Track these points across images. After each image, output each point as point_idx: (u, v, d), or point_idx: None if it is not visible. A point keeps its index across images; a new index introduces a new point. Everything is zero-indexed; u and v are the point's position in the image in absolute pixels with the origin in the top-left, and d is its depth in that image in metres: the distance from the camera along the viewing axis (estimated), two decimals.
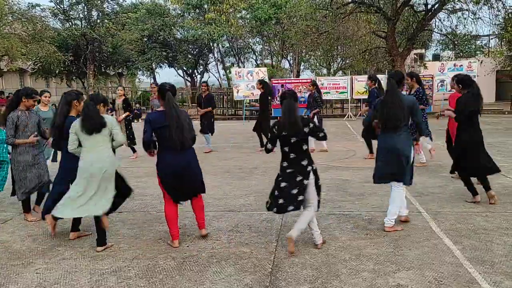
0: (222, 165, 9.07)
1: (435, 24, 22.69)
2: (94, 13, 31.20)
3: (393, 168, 4.79)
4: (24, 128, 5.38)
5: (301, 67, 34.52)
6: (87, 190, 4.43)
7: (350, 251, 4.33)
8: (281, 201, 4.25)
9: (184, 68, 36.66)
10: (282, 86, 20.35)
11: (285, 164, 4.34)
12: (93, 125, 4.44)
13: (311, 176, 4.34)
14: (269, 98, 10.97)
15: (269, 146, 4.47)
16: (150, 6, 33.36)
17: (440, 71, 20.42)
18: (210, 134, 11.05)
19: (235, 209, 5.88)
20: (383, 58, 23.25)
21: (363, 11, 21.78)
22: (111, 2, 31.83)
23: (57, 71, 30.15)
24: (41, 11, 28.20)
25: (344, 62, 30.57)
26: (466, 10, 20.68)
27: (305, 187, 4.29)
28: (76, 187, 4.50)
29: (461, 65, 19.61)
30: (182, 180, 4.45)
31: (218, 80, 36.04)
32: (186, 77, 38.15)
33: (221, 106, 25.46)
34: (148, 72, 37.31)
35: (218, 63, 35.91)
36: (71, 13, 30.81)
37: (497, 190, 6.45)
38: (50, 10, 29.65)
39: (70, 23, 31.12)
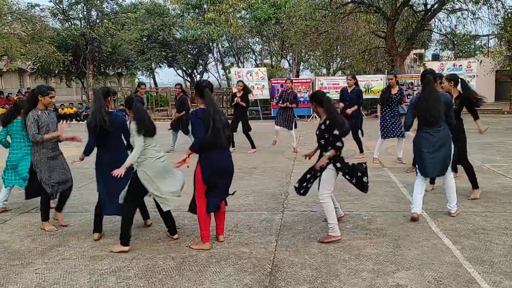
0: None
1: (434, 24, 22.73)
2: (94, 13, 31.16)
3: (442, 162, 5.10)
4: (45, 128, 5.07)
5: (301, 67, 34.49)
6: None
7: (349, 251, 4.33)
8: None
9: (184, 68, 36.65)
10: (282, 86, 20.34)
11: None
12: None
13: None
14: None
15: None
16: (149, 6, 33.34)
17: (439, 71, 20.42)
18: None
19: (234, 209, 5.88)
20: (383, 58, 23.27)
21: (363, 11, 21.78)
22: (111, 2, 31.80)
23: (56, 71, 30.11)
24: (40, 11, 28.16)
25: (343, 62, 30.56)
26: (466, 10, 20.72)
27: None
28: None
29: (461, 65, 19.62)
30: (226, 179, 4.43)
31: (217, 80, 36.02)
32: (185, 77, 38.13)
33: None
34: (148, 72, 37.28)
35: (218, 63, 35.94)
36: (70, 13, 30.75)
37: (496, 190, 6.47)
38: (49, 10, 29.61)
39: (69, 23, 31.08)
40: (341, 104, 9.43)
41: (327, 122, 4.54)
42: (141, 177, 4.38)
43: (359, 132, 9.27)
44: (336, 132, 4.49)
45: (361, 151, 9.19)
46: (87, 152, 4.77)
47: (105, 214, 4.88)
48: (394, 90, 8.46)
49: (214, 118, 4.17)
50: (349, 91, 9.36)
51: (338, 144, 4.50)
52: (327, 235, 4.61)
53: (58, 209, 5.40)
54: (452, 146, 5.17)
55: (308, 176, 4.80)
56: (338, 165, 4.58)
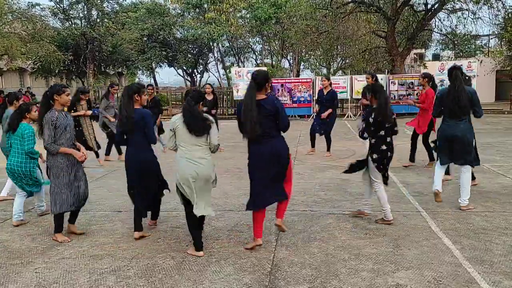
0: (222, 165, 9.06)
1: (435, 24, 22.71)
2: (94, 12, 31.18)
3: (457, 151, 5.49)
4: (63, 131, 4.66)
5: (301, 67, 34.50)
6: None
7: (349, 251, 4.33)
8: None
9: (184, 67, 36.65)
10: (282, 85, 20.36)
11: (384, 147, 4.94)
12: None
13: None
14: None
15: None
16: (150, 6, 33.34)
17: (440, 71, 20.38)
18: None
19: (234, 208, 5.89)
20: (383, 57, 23.26)
21: (363, 11, 21.77)
22: (111, 1, 31.83)
23: (57, 71, 30.15)
24: (40, 10, 28.20)
25: (344, 62, 30.57)
26: (466, 10, 20.69)
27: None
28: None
29: (461, 65, 19.43)
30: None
31: (218, 79, 36.02)
32: (186, 77, 38.14)
33: (221, 105, 25.44)
34: (148, 72, 37.32)
35: (218, 63, 35.93)
36: (71, 12, 30.78)
37: (496, 190, 6.47)
38: (49, 9, 29.64)
39: (69, 22, 31.10)
40: (316, 107, 9.82)
41: (373, 114, 4.91)
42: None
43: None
44: (387, 125, 4.91)
45: (328, 149, 9.76)
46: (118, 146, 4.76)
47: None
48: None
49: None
50: (325, 93, 9.69)
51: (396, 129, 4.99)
52: (381, 219, 5.10)
53: (72, 221, 5.03)
54: (473, 139, 5.59)
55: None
56: (375, 156, 5.00)
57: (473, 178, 6.18)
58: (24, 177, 5.37)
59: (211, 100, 10.36)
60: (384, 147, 4.95)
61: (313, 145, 10.14)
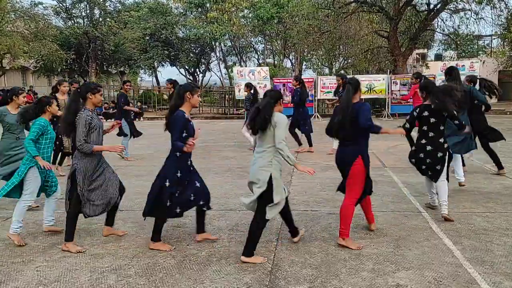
0: (223, 164, 9.08)
1: (437, 24, 22.71)
2: (96, 11, 31.22)
3: (462, 141, 6.42)
4: (96, 132, 4.45)
5: (303, 67, 34.46)
6: None
7: (349, 251, 4.33)
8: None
9: (186, 67, 36.65)
10: (284, 85, 20.33)
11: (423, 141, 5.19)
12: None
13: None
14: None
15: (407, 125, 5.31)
16: (152, 5, 33.34)
17: (442, 71, 20.35)
18: (128, 137, 9.96)
19: (235, 208, 5.89)
20: (385, 57, 23.23)
21: (365, 11, 21.76)
22: (113, 0, 31.89)
23: (59, 69, 30.15)
24: (43, 9, 28.27)
25: (346, 62, 30.53)
26: (469, 10, 20.68)
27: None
28: None
29: (463, 65, 19.55)
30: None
31: (220, 79, 36.03)
32: (188, 76, 38.15)
33: (223, 105, 25.46)
34: (150, 71, 37.32)
35: (220, 62, 35.91)
36: (73, 11, 30.84)
37: (498, 191, 6.46)
38: (52, 8, 29.71)
39: (72, 21, 31.15)
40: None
41: (433, 107, 5.11)
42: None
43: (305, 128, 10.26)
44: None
45: (299, 144, 10.48)
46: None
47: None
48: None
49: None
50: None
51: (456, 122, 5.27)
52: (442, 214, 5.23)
53: (110, 223, 4.88)
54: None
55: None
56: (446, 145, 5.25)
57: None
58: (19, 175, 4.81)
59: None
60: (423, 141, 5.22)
61: (310, 144, 10.51)
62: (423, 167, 5.28)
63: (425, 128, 5.18)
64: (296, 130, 10.36)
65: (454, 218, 5.22)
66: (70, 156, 8.15)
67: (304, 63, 34.16)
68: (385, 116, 19.18)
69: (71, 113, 4.42)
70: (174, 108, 4.39)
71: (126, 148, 9.66)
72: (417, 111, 5.24)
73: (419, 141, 5.24)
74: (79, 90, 4.59)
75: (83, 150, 4.35)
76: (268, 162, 4.04)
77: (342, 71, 30.54)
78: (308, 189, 6.80)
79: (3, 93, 7.05)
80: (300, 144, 10.53)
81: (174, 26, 32.97)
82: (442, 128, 5.14)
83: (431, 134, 5.12)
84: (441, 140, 5.13)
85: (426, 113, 5.13)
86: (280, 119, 4.02)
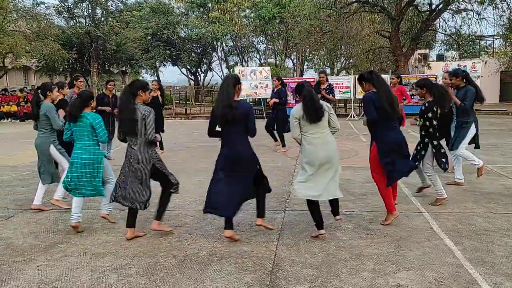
0: None
1: (439, 24, 22.70)
2: (98, 11, 31.23)
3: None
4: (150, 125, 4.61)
5: (305, 67, 34.47)
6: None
7: (350, 251, 4.33)
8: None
9: (188, 66, 36.68)
10: (286, 85, 20.31)
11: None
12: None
13: None
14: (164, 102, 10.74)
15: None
16: (154, 5, 33.36)
17: (443, 72, 20.36)
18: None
19: None
20: (387, 58, 23.23)
21: (367, 11, 21.75)
22: (115, 0, 31.93)
23: (61, 69, 30.18)
24: (45, 8, 28.29)
25: (347, 62, 30.54)
26: (471, 10, 20.66)
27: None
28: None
29: (465, 66, 19.53)
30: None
31: (221, 79, 36.01)
32: (189, 76, 38.18)
33: None
34: (152, 71, 37.35)
35: (222, 62, 35.91)
36: (75, 11, 30.85)
37: (499, 191, 6.45)
38: (54, 8, 29.72)
39: (74, 21, 31.18)
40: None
41: (427, 104, 5.48)
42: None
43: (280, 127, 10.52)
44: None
45: (275, 140, 10.90)
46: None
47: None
48: (324, 86, 10.54)
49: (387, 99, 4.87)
50: (275, 91, 10.95)
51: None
52: (436, 199, 5.72)
53: (158, 217, 4.83)
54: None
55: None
56: (435, 142, 5.56)
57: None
58: (97, 172, 5.00)
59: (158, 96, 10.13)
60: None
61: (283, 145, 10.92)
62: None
63: (427, 123, 5.54)
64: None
65: (455, 218, 5.22)
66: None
67: (306, 63, 34.18)
68: None
69: (131, 111, 4.55)
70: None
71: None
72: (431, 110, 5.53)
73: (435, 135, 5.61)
74: (130, 86, 4.71)
75: (156, 140, 4.70)
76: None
77: (344, 71, 30.58)
78: None
79: (4, 92, 7.15)
80: (276, 140, 10.92)
81: (176, 25, 33.00)
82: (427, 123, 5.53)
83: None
84: (423, 132, 5.59)
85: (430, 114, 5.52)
86: (327, 107, 4.74)
